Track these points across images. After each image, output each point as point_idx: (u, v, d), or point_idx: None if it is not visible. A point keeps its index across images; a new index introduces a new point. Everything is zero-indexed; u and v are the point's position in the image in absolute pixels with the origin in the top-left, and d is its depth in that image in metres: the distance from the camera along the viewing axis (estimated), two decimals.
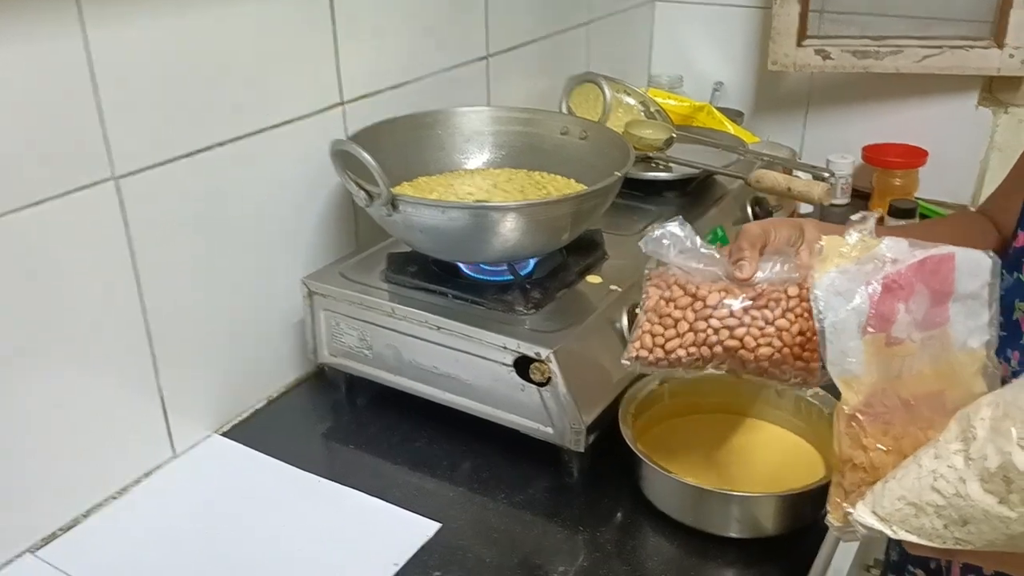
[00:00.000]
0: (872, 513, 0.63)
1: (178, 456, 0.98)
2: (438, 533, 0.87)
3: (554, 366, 0.87)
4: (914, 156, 1.53)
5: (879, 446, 0.65)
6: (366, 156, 0.84)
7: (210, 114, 0.93)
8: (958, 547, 0.60)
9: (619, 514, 0.89)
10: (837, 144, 1.60)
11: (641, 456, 0.85)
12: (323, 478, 0.94)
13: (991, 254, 0.70)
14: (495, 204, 0.96)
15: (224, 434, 1.02)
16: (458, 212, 0.88)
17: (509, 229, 0.90)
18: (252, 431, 1.03)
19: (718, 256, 0.77)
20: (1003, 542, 0.58)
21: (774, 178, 1.06)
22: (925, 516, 0.60)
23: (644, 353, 0.77)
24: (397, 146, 1.08)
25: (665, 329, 0.76)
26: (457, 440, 0.99)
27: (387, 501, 0.90)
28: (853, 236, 0.70)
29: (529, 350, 0.88)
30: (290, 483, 0.94)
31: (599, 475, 0.94)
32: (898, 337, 0.67)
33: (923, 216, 1.48)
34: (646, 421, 0.95)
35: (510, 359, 0.90)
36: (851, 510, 0.64)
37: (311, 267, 1.08)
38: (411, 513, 0.89)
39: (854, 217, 0.72)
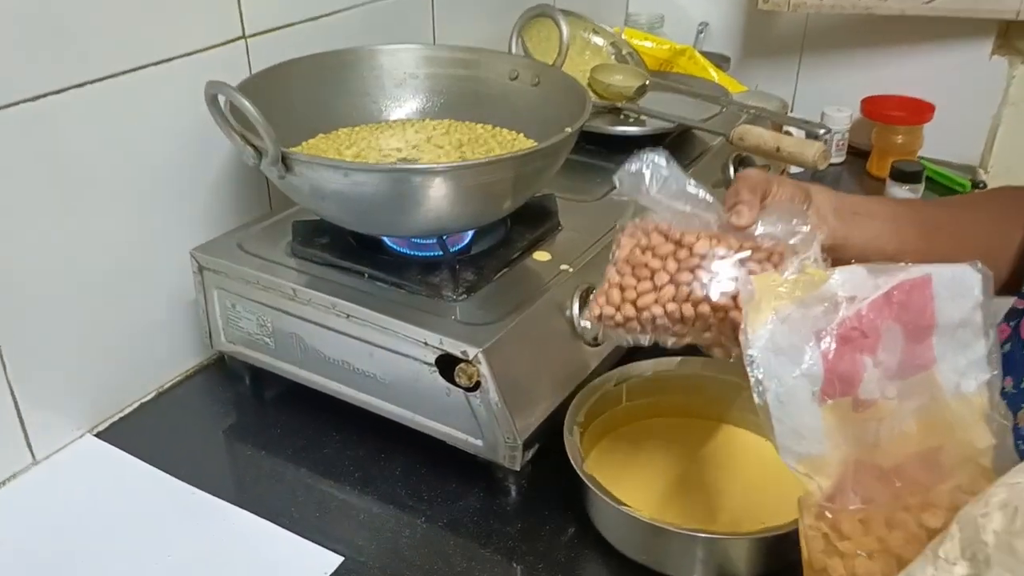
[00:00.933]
0: None
1: (39, 463, 0.82)
2: (340, 568, 0.71)
3: (484, 368, 0.71)
4: (919, 111, 1.36)
5: (859, 552, 0.49)
6: (244, 101, 0.66)
7: (67, 48, 0.74)
8: None
9: (563, 544, 0.73)
10: (833, 96, 1.42)
11: (589, 484, 0.69)
12: (207, 493, 0.78)
13: (979, 266, 0.54)
14: (412, 166, 0.78)
15: (100, 434, 0.86)
16: (365, 175, 0.70)
17: (433, 197, 0.73)
18: (134, 430, 0.86)
19: (711, 200, 0.60)
20: None
21: (760, 135, 0.89)
22: None
23: (610, 311, 0.61)
24: (310, 91, 0.90)
25: (639, 281, 0.60)
26: (372, 445, 0.83)
27: (281, 526, 0.75)
28: (791, 267, 0.55)
29: (454, 347, 0.72)
30: (166, 499, 0.78)
31: (541, 494, 0.78)
32: (868, 399, 0.52)
33: (931, 181, 1.31)
34: (599, 427, 0.79)
35: (432, 357, 0.73)
36: None
37: (211, 234, 0.90)
38: (308, 543, 0.73)
39: (792, 241, 0.55)
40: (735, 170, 1.08)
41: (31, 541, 0.74)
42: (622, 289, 0.61)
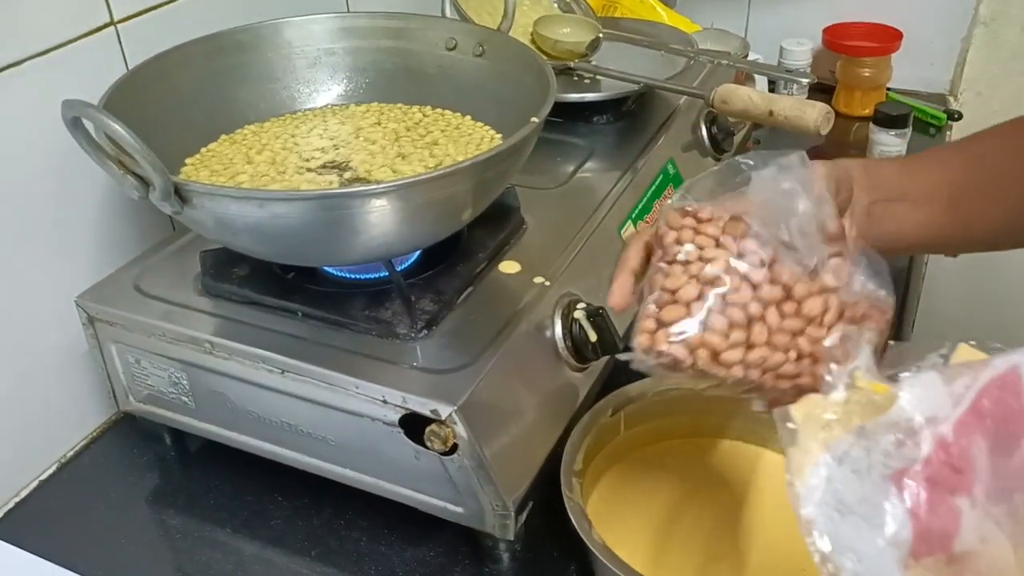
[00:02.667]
0: None
1: None
2: None
3: (461, 428, 0.57)
4: (886, 38, 1.24)
5: None
6: (114, 125, 0.50)
7: None
8: None
9: None
10: (792, 26, 1.30)
11: (601, 556, 0.56)
12: None
13: None
14: (347, 191, 0.63)
15: None
16: (286, 206, 0.55)
17: (378, 222, 0.58)
18: (33, 518, 0.71)
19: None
20: None
21: (747, 97, 0.76)
22: None
23: (681, 353, 0.46)
24: (204, 83, 0.73)
25: (731, 329, 0.46)
26: (327, 512, 0.69)
27: None
28: (839, 388, 0.42)
29: (421, 406, 0.58)
30: None
31: (539, 555, 0.66)
32: (966, 551, 0.39)
33: (919, 121, 1.19)
34: (600, 463, 0.68)
35: (394, 417, 0.60)
36: None
37: (103, 270, 0.73)
38: None
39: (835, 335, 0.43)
40: (708, 131, 0.95)
41: None
42: (711, 328, 0.45)
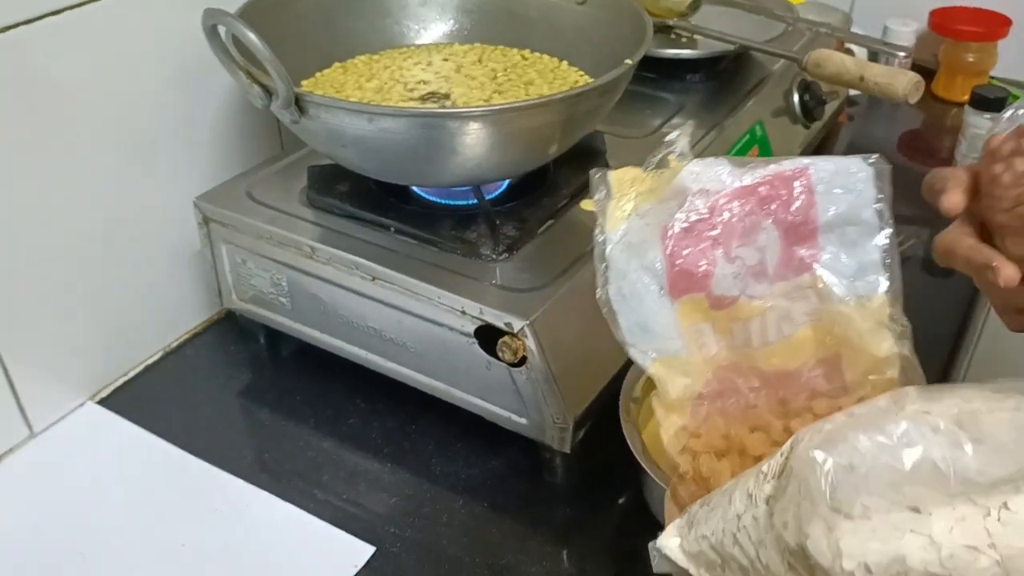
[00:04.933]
0: (680, 546, 0.48)
1: (36, 435, 0.74)
2: (372, 560, 0.64)
3: (531, 342, 0.62)
4: (994, 25, 1.22)
5: (708, 451, 0.51)
6: (249, 34, 0.56)
7: None
8: None
9: (618, 531, 0.66)
10: (897, 5, 1.29)
11: (652, 475, 0.60)
12: (220, 470, 0.70)
13: (873, 159, 0.50)
14: (447, 111, 0.68)
15: (102, 401, 0.78)
16: (392, 121, 0.60)
17: (470, 144, 0.62)
18: (138, 396, 0.79)
19: None
20: None
21: (841, 62, 0.77)
22: (729, 572, 0.45)
23: None
24: (324, 13, 0.78)
25: None
26: (403, 416, 0.75)
27: (304, 509, 0.67)
28: (653, 160, 0.53)
29: (497, 318, 0.63)
30: (176, 476, 0.70)
31: (593, 472, 0.70)
32: (726, 295, 0.51)
33: None
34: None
35: (470, 328, 0.64)
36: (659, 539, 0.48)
37: (216, 178, 0.80)
38: (336, 530, 0.66)
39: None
40: (800, 98, 0.96)
41: (28, 521, 0.67)
42: None
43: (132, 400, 0.78)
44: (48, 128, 0.68)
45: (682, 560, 0.47)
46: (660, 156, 0.52)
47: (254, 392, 0.80)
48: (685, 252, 0.50)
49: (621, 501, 0.68)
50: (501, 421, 0.68)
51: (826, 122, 1.00)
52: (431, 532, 0.66)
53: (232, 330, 0.85)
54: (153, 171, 0.77)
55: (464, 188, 0.73)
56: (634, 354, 0.52)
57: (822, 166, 0.50)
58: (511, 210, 0.72)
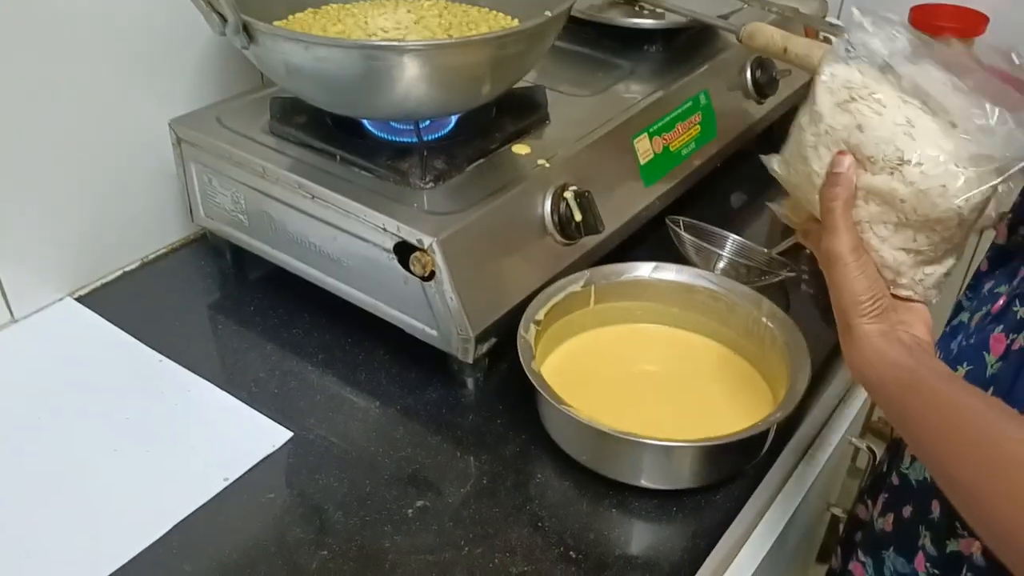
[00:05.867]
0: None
1: (17, 321, 0.84)
2: (288, 444, 0.72)
3: (439, 258, 0.69)
4: (972, 22, 1.26)
5: None
6: None
7: None
8: None
9: (512, 440, 0.73)
10: (882, 1, 1.32)
11: (535, 383, 0.67)
12: (174, 363, 0.79)
13: None
14: (376, 43, 0.75)
15: (81, 298, 0.87)
16: (327, 50, 0.68)
17: (402, 78, 0.70)
18: (113, 297, 0.88)
19: None
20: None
21: (770, 35, 0.83)
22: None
23: None
24: None
25: None
26: (340, 330, 0.83)
27: (239, 399, 0.76)
28: None
29: (411, 235, 0.70)
30: (133, 365, 0.79)
31: (498, 391, 0.77)
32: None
33: None
34: (563, 328, 0.78)
35: (390, 244, 0.72)
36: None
37: (201, 103, 0.89)
38: (262, 416, 0.74)
39: None
40: (752, 74, 1.02)
41: (3, 393, 0.76)
42: None
43: (107, 300, 0.87)
44: (38, 34, 0.77)
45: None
46: None
47: (216, 303, 0.88)
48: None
49: (520, 413, 0.75)
50: (417, 333, 0.76)
51: (779, 98, 1.05)
52: (345, 426, 0.74)
53: (204, 249, 0.94)
54: (142, 89, 0.86)
55: (408, 127, 0.80)
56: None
57: None
58: (446, 147, 0.79)
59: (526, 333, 0.72)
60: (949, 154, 0.53)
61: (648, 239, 0.92)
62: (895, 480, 0.70)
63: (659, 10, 1.02)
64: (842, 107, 0.56)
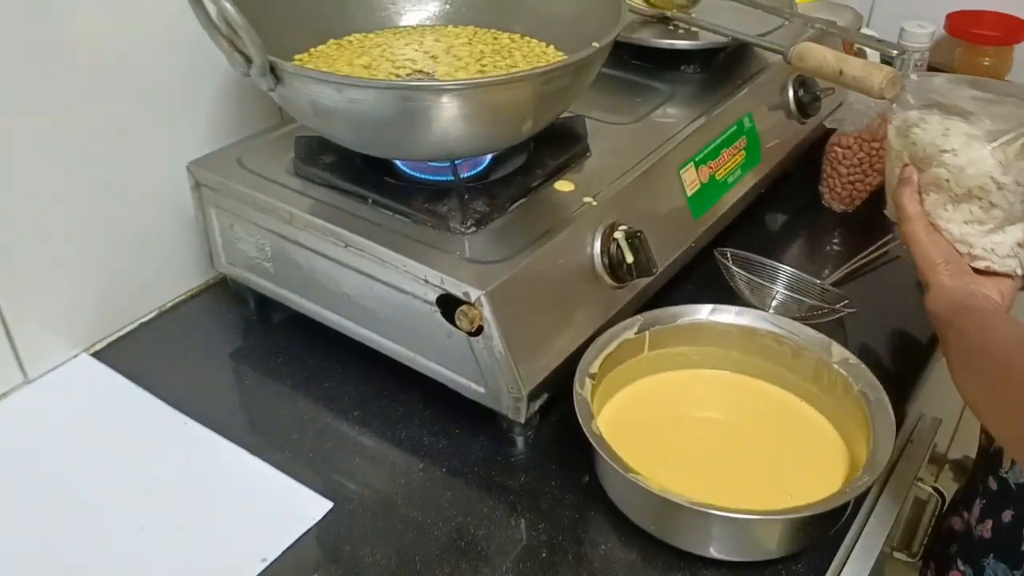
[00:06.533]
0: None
1: (32, 381, 0.78)
2: (329, 515, 0.67)
3: (487, 312, 0.64)
4: (1011, 29, 1.21)
5: None
6: (225, 3, 0.59)
7: None
8: None
9: (569, 504, 0.68)
10: (916, 7, 1.28)
11: (596, 446, 0.62)
12: (199, 424, 0.74)
13: None
14: (413, 83, 0.70)
15: (97, 353, 0.82)
16: (361, 92, 0.63)
17: (439, 118, 0.65)
18: (131, 351, 0.83)
19: None
20: None
21: (822, 56, 0.78)
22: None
23: None
24: None
25: None
26: (375, 383, 0.78)
27: (272, 463, 0.70)
28: None
29: (456, 287, 0.65)
30: (155, 425, 0.74)
31: (551, 447, 0.72)
32: None
33: None
34: (618, 377, 0.73)
35: (432, 296, 0.67)
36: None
37: (217, 144, 0.84)
38: (298, 484, 0.69)
39: None
40: (795, 93, 0.97)
41: (17, 461, 0.71)
42: None
43: (124, 354, 0.82)
44: (53, 79, 0.72)
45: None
46: None
47: (240, 353, 0.83)
48: None
49: (575, 473, 0.69)
50: (461, 389, 0.70)
51: (823, 116, 1.00)
52: (388, 491, 0.69)
53: (225, 294, 0.89)
54: (156, 131, 0.81)
55: (443, 164, 0.75)
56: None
57: None
58: (485, 187, 0.74)
59: (582, 389, 0.66)
60: (972, 137, 0.69)
61: (694, 271, 0.87)
62: (993, 485, 0.71)
63: (693, 28, 0.97)
64: (902, 134, 0.74)
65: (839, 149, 0.99)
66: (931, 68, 1.27)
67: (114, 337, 0.84)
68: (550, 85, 0.67)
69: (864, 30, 1.15)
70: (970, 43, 1.22)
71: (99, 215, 0.79)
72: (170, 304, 0.88)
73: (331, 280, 0.73)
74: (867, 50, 1.11)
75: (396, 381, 0.77)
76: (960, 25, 1.23)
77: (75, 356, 0.81)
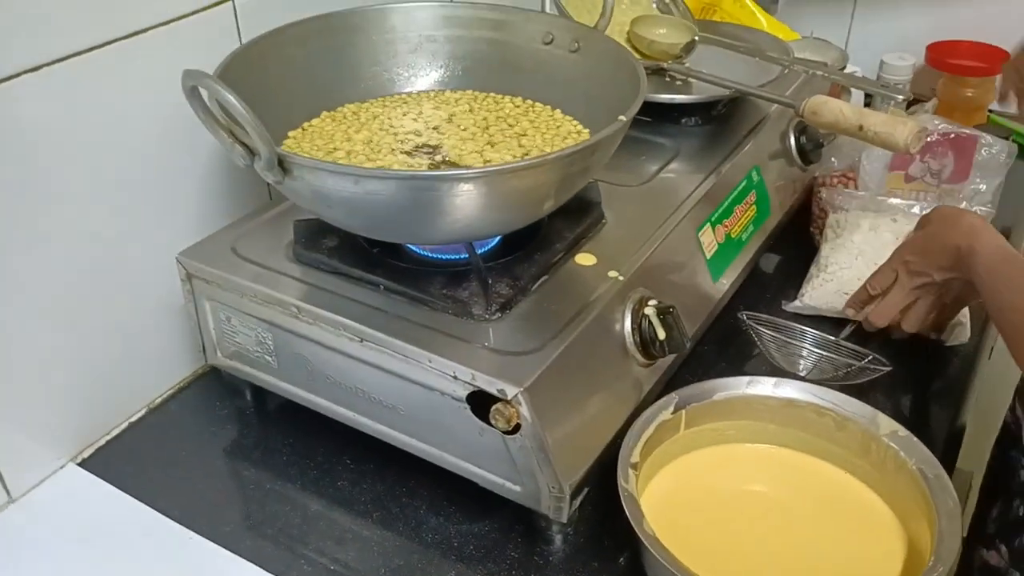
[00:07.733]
0: None
1: (15, 500, 0.72)
2: None
3: (525, 410, 0.60)
4: (992, 59, 1.21)
5: None
6: (229, 97, 0.54)
7: (16, 25, 0.61)
8: None
9: None
10: (894, 40, 1.27)
11: (651, 548, 0.58)
12: (202, 537, 0.68)
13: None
14: (437, 174, 0.65)
15: (84, 462, 0.75)
16: (380, 184, 0.58)
17: (462, 205, 0.60)
18: (121, 457, 0.76)
19: None
20: None
21: (839, 110, 0.75)
22: None
23: None
24: (311, 61, 0.76)
25: None
26: (393, 478, 0.73)
27: None
28: None
29: (489, 384, 0.61)
30: (152, 542, 0.68)
31: (590, 541, 0.68)
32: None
33: (1020, 146, 1.15)
34: (658, 459, 0.69)
35: (462, 392, 0.62)
36: None
37: (204, 230, 0.78)
38: None
39: None
40: (796, 140, 0.95)
41: None
42: None
43: (114, 461, 0.76)
44: (30, 180, 0.66)
45: None
46: None
47: (239, 450, 0.77)
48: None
49: (621, 570, 0.65)
50: (495, 488, 0.66)
51: (823, 162, 0.98)
52: None
53: (217, 385, 0.83)
54: (138, 224, 0.75)
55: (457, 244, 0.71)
56: None
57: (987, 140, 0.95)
58: (504, 266, 0.70)
59: (627, 483, 0.62)
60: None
61: (711, 331, 0.84)
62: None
63: (690, 79, 0.94)
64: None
65: (824, 190, 0.96)
66: (913, 101, 1.27)
67: (102, 442, 0.77)
68: (575, 166, 0.63)
69: (849, 68, 1.14)
70: (952, 74, 1.21)
71: (84, 317, 0.73)
72: (159, 400, 0.82)
73: (344, 375, 0.68)
74: (852, 91, 1.09)
75: (415, 476, 0.72)
76: (941, 56, 1.22)
77: (62, 467, 0.75)
